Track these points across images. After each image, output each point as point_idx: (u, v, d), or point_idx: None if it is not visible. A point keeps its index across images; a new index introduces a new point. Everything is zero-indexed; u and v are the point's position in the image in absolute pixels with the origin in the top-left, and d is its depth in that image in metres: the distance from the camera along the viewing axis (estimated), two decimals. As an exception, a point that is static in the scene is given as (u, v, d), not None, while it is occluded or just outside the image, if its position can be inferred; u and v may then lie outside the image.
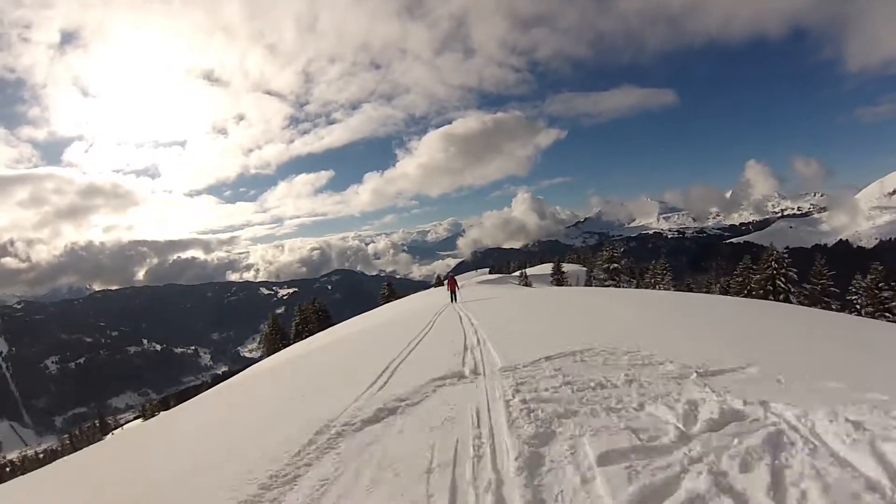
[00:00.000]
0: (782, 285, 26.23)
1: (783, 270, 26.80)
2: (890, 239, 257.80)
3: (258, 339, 43.56)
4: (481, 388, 5.21)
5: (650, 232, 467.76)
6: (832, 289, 26.34)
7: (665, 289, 34.36)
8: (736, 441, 2.90)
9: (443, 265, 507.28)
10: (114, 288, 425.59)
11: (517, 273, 59.32)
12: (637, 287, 38.50)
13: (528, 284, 45.45)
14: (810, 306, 23.62)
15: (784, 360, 4.95)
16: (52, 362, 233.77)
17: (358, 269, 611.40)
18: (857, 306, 25.67)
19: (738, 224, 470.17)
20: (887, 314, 24.09)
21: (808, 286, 26.73)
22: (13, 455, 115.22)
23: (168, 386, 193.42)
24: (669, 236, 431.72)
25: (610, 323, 9.34)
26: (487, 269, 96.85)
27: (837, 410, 3.09)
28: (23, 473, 15.16)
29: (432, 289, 47.78)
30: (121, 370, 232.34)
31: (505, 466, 3.16)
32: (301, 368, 11.68)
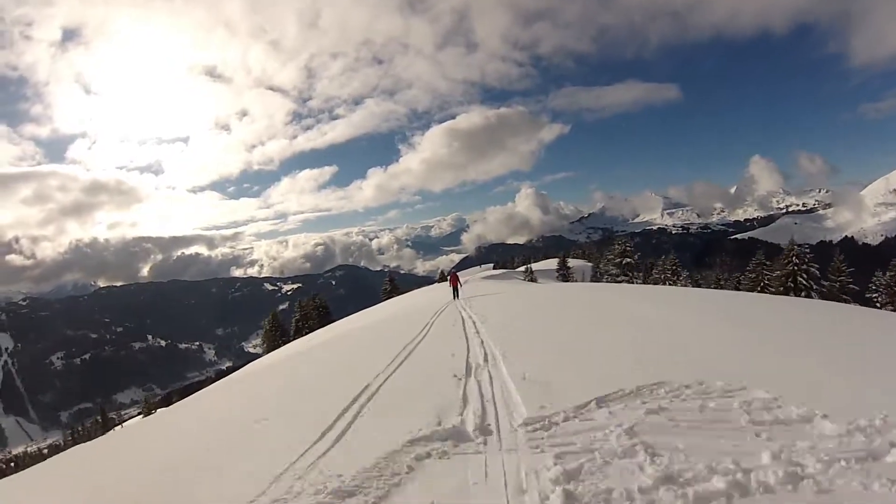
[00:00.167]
0: (804, 282, 25.21)
1: (804, 266, 25.79)
2: (895, 236, 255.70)
3: (261, 335, 43.35)
4: (495, 473, 3.03)
5: (654, 227, 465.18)
6: (851, 286, 25.42)
7: (683, 285, 33.42)
8: None
9: (447, 260, 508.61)
10: (118, 284, 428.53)
11: (522, 268, 58.50)
12: (644, 283, 37.55)
13: (533, 280, 44.59)
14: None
15: None
16: (58, 358, 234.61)
17: (362, 264, 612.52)
18: (878, 303, 24.77)
19: (742, 220, 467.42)
20: (908, 311, 23.17)
21: (825, 283, 25.78)
22: (19, 450, 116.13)
23: (173, 381, 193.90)
24: (673, 232, 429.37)
25: (659, 333, 7.42)
26: (491, 265, 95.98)
27: None
28: (21, 469, 14.84)
29: (435, 284, 47.01)
30: (125, 366, 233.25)
31: None
32: (246, 395, 9.11)
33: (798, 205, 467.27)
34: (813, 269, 25.78)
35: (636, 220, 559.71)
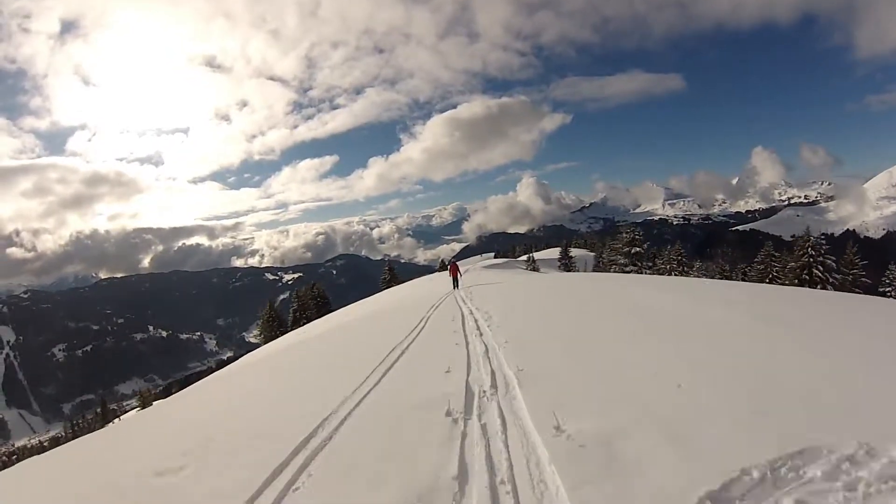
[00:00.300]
0: (820, 274, 24.21)
1: (820, 258, 24.75)
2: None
3: (258, 326, 42.66)
4: None
5: (655, 218, 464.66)
6: (863, 279, 24.60)
7: (695, 276, 32.55)
8: None
9: (448, 249, 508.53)
10: (119, 275, 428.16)
11: (524, 257, 57.76)
12: (646, 273, 36.59)
13: (535, 269, 43.81)
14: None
15: None
16: (60, 350, 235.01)
17: (363, 253, 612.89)
18: (892, 296, 23.98)
19: (743, 212, 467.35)
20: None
21: (838, 276, 24.93)
22: (22, 442, 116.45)
23: (174, 372, 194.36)
24: (675, 223, 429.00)
25: (737, 349, 5.05)
26: (492, 254, 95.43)
27: None
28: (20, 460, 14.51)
29: (435, 274, 46.21)
30: (127, 357, 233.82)
31: None
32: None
33: (800, 197, 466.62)
34: (829, 262, 24.81)
35: (637, 211, 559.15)
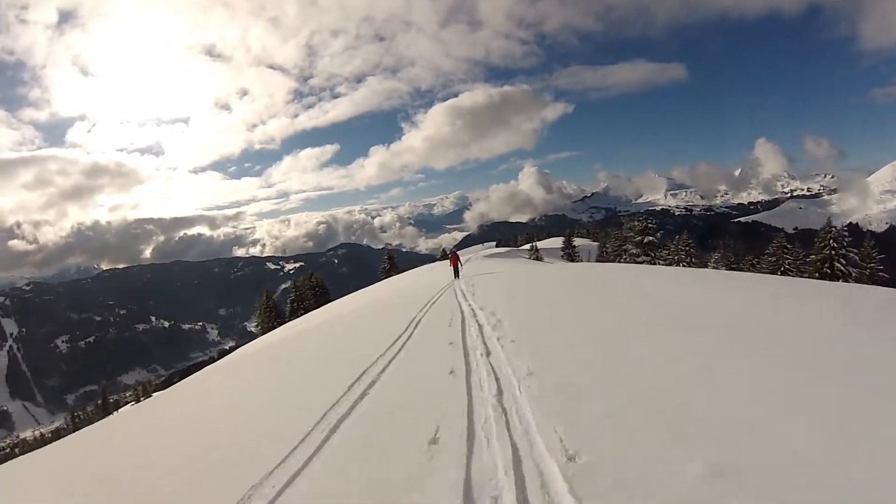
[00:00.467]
0: (842, 268, 23.16)
1: (842, 251, 23.66)
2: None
3: (256, 317, 42.00)
4: None
5: (657, 208, 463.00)
6: (881, 273, 23.65)
7: (714, 267, 31.67)
8: None
9: (449, 238, 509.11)
10: (121, 266, 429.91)
11: (527, 246, 56.91)
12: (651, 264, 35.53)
13: (539, 259, 42.98)
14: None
15: None
16: (63, 342, 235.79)
17: (364, 242, 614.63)
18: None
19: (746, 203, 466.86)
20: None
21: (854, 269, 23.99)
22: (26, 434, 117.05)
23: (177, 362, 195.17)
24: (677, 213, 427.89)
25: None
26: (494, 243, 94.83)
27: None
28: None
29: (435, 263, 45.41)
30: (130, 347, 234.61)
31: None
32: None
33: (803, 189, 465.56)
34: (852, 255, 23.72)
35: (639, 201, 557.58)
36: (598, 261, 45.09)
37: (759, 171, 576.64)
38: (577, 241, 56.43)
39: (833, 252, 23.68)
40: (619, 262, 35.87)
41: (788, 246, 29.56)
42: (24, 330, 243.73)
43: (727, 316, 6.64)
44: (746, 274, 20.28)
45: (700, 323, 6.33)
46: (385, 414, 4.17)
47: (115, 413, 49.06)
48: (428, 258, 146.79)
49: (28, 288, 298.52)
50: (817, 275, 23.18)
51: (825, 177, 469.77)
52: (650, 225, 34.76)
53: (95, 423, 14.49)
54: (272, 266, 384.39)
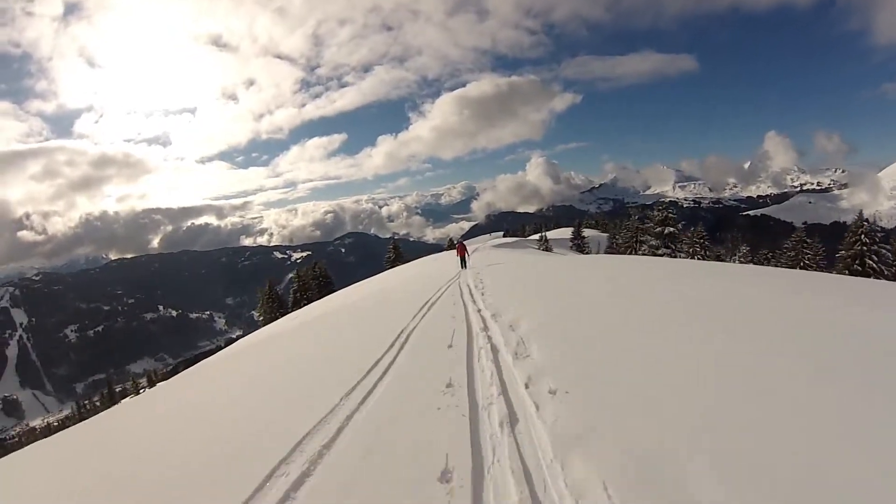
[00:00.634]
0: (874, 265, 21.80)
1: (875, 247, 22.28)
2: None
3: (258, 308, 41.34)
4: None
5: (666, 200, 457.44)
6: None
7: (741, 262, 30.51)
8: None
9: (456, 228, 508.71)
10: (129, 256, 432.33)
11: (535, 237, 55.82)
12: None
13: (548, 249, 41.90)
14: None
15: None
16: (72, 331, 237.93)
17: (371, 231, 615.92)
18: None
19: (755, 196, 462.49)
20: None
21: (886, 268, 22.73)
22: (36, 422, 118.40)
23: (184, 350, 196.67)
24: (685, 205, 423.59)
25: None
26: (501, 233, 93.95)
27: None
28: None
29: (442, 253, 44.47)
30: (138, 337, 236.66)
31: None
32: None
33: (812, 183, 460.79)
34: (885, 251, 22.36)
35: (647, 193, 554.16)
36: (607, 252, 43.99)
37: (768, 164, 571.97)
38: (587, 232, 55.29)
39: (865, 248, 22.28)
40: (634, 253, 34.50)
41: (808, 240, 28.37)
42: (33, 320, 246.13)
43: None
44: (797, 272, 18.04)
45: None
46: (369, 468, 3.00)
47: (120, 403, 49.04)
48: (435, 248, 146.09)
49: (37, 278, 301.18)
50: (847, 272, 21.88)
51: (835, 171, 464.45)
52: (671, 215, 32.18)
53: (100, 414, 14.18)
54: (279, 255, 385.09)
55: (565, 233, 59.98)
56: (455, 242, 32.64)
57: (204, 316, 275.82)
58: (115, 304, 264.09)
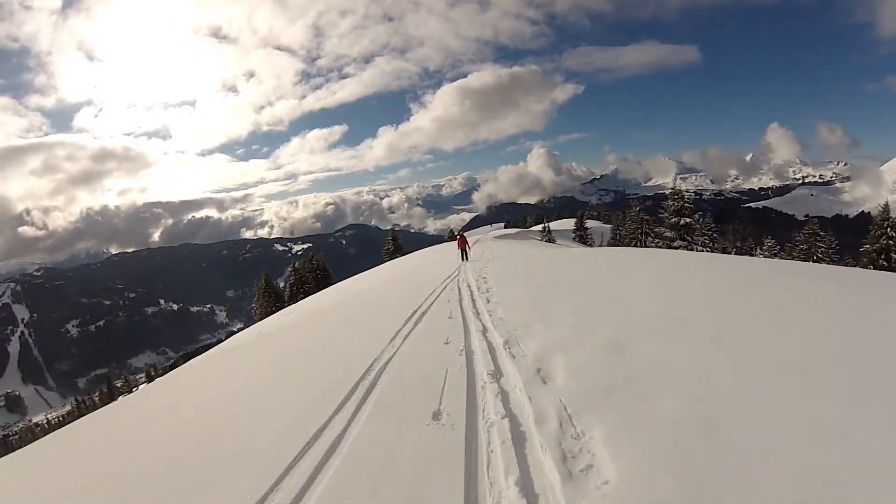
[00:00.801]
0: None
1: None
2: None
3: (254, 302, 40.32)
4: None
5: (667, 192, 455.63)
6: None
7: (763, 255, 29.49)
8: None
9: (457, 219, 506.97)
10: (130, 250, 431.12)
11: (537, 227, 54.92)
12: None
13: (551, 241, 41.03)
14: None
15: None
16: (73, 326, 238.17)
17: (373, 223, 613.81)
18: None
19: (757, 189, 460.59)
20: None
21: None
22: (38, 418, 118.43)
23: (186, 344, 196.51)
24: (686, 197, 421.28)
25: None
26: (503, 224, 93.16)
27: None
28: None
29: (442, 244, 43.60)
30: (139, 331, 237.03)
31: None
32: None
33: (815, 176, 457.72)
34: None
35: (649, 184, 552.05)
36: (611, 244, 43.14)
37: (770, 156, 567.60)
38: (589, 224, 54.40)
39: (891, 242, 21.17)
40: (641, 245, 33.49)
41: (822, 233, 27.42)
42: (35, 315, 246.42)
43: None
44: (844, 268, 15.93)
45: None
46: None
47: (119, 399, 48.69)
48: (436, 239, 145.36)
49: (38, 273, 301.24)
50: (871, 266, 20.86)
51: (838, 164, 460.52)
52: (687, 204, 30.18)
53: (98, 410, 13.79)
54: (280, 247, 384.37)
55: (567, 224, 59.18)
56: (456, 235, 31.73)
57: (205, 309, 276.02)
58: (117, 299, 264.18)
